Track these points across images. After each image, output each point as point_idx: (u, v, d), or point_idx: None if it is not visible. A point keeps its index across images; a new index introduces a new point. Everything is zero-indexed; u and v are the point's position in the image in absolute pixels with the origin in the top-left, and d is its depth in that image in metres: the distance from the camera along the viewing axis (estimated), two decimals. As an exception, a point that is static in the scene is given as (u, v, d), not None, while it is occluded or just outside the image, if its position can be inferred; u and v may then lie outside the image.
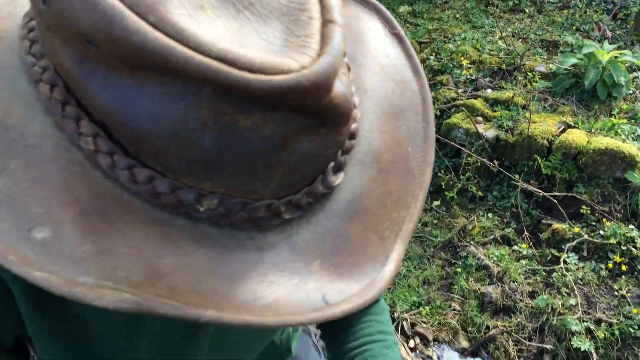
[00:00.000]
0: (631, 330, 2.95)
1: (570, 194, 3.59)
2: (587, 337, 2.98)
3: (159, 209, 0.42)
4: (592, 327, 2.99)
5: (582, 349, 2.93)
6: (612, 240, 3.29)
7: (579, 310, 3.07)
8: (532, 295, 3.27)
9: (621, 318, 3.01)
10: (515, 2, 5.63)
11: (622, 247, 3.26)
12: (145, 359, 0.69)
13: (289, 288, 0.42)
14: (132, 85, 0.38)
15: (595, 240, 3.34)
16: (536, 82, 4.33)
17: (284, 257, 0.44)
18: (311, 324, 0.46)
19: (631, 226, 3.34)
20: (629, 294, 3.11)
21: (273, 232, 0.45)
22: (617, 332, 2.95)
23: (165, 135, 0.39)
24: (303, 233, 0.46)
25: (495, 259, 3.47)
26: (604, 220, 3.44)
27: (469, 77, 4.58)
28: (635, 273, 3.21)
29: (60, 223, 0.39)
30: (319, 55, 0.41)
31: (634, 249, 3.24)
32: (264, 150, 0.41)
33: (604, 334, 2.96)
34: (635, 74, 4.24)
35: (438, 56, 4.91)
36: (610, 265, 3.24)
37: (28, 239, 0.38)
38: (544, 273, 3.33)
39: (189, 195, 0.42)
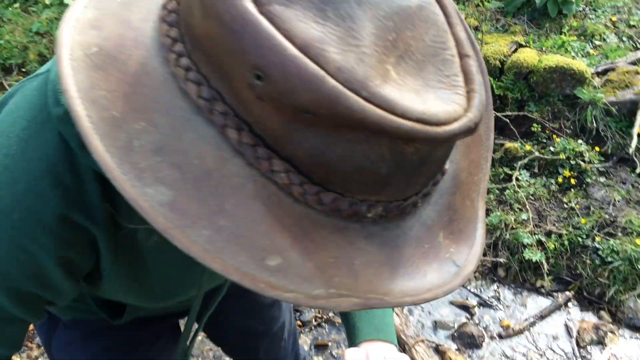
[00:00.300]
0: (579, 239, 3.06)
1: (521, 113, 3.64)
2: (538, 249, 3.09)
3: (338, 220, 0.52)
4: (543, 239, 3.10)
5: (534, 260, 3.04)
6: (562, 156, 3.37)
7: (530, 224, 3.16)
8: (486, 213, 3.35)
9: (570, 229, 3.12)
10: None
11: (571, 162, 3.35)
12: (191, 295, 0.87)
13: (430, 260, 0.55)
14: (336, 138, 0.47)
15: (545, 156, 3.42)
16: (488, 1, 4.30)
17: (421, 235, 0.56)
18: (454, 290, 0.56)
19: (580, 141, 3.42)
20: (577, 206, 3.22)
21: (410, 218, 0.56)
22: (566, 243, 3.07)
23: (351, 169, 0.49)
24: (427, 213, 0.57)
25: (450, 179, 3.52)
26: (554, 136, 3.51)
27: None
28: (584, 185, 3.31)
29: (285, 250, 0.49)
30: (467, 92, 0.51)
31: (582, 163, 3.33)
32: (419, 166, 0.52)
33: (554, 244, 3.07)
34: (584, -9, 4.26)
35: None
36: (560, 180, 3.34)
37: (265, 267, 0.47)
38: (497, 191, 3.40)
39: (362, 207, 0.52)
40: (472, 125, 0.49)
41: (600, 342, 2.85)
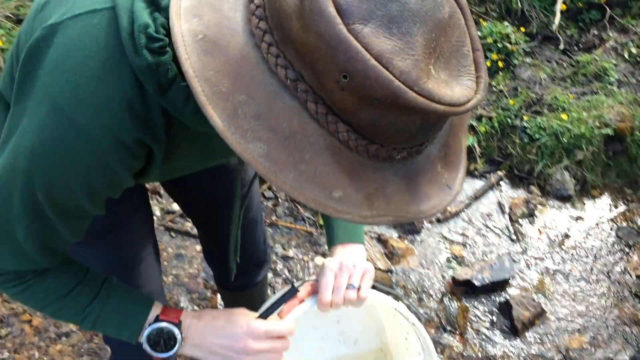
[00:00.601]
0: (508, 120, 3.15)
1: None
2: (470, 134, 3.16)
3: (376, 162, 0.72)
4: (474, 124, 3.17)
5: (466, 145, 3.11)
6: (489, 40, 3.38)
7: (461, 110, 3.21)
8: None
9: (499, 111, 3.20)
10: None
11: (498, 45, 3.38)
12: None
13: (433, 185, 0.77)
14: (389, 113, 0.66)
15: (473, 41, 3.42)
16: None
17: (427, 168, 0.77)
18: (448, 206, 0.80)
19: (506, 23, 3.44)
20: (505, 88, 3.28)
21: (421, 155, 0.76)
22: (496, 125, 3.15)
23: (393, 131, 0.68)
24: (431, 150, 0.77)
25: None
26: (481, 20, 3.51)
27: None
28: (511, 67, 3.36)
29: (344, 186, 0.69)
30: (476, 77, 0.71)
31: (509, 45, 3.36)
32: (437, 125, 0.73)
33: (485, 127, 3.15)
34: None
35: None
36: (488, 64, 3.37)
37: (331, 197, 0.68)
38: (428, 80, 3.42)
39: (394, 153, 0.72)
40: (479, 103, 0.72)
41: (531, 215, 3.00)
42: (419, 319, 1.31)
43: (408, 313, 1.20)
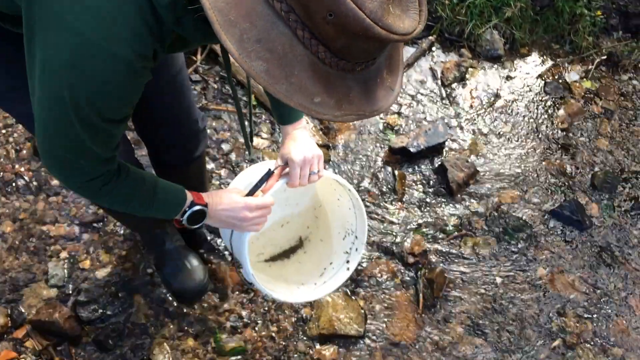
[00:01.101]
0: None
1: None
2: None
3: (343, 73, 0.93)
4: (403, -13, 3.06)
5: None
6: None
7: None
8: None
9: (427, -28, 3.09)
10: None
11: None
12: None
13: (381, 88, 0.99)
14: (361, 40, 0.86)
15: None
16: None
17: (377, 75, 0.98)
18: (391, 105, 1.04)
19: None
20: (432, -53, 3.15)
21: (374, 66, 0.97)
22: (424, -13, 3.05)
23: (360, 52, 0.90)
24: (380, 60, 0.98)
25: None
26: None
27: None
28: None
29: (321, 93, 0.91)
30: (419, 11, 0.92)
31: None
32: (388, 47, 0.98)
33: (413, -9, 3.05)
34: None
35: None
36: None
37: (313, 102, 0.90)
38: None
39: (356, 66, 0.93)
40: (421, 31, 0.91)
41: (463, 78, 3.01)
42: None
43: (343, 181, 1.62)
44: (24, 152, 2.37)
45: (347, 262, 1.79)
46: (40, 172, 2.33)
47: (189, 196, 1.41)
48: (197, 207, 1.41)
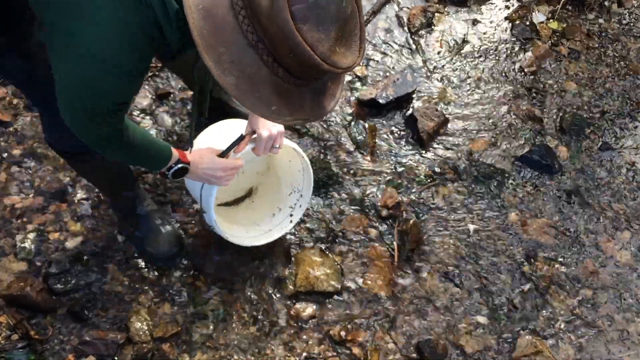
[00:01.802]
0: None
1: None
2: (362, -57, 2.96)
3: (299, 88, 1.16)
4: None
5: None
6: None
7: None
8: None
9: None
10: None
11: None
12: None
13: (326, 97, 1.24)
14: (313, 71, 1.11)
15: None
16: None
17: (325, 85, 1.22)
18: (335, 107, 1.66)
19: None
20: None
21: (321, 80, 1.21)
22: None
23: (310, 75, 1.14)
24: (324, 79, 1.22)
25: None
26: None
27: None
28: None
29: (279, 105, 1.14)
30: (359, 48, 1.14)
31: None
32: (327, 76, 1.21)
33: None
34: None
35: None
36: None
37: (271, 110, 1.14)
38: None
39: (310, 82, 1.18)
40: (359, 64, 1.16)
41: (430, 25, 2.96)
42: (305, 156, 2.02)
43: (298, 149, 1.96)
44: (-20, 122, 2.28)
45: (291, 215, 2.16)
46: (0, 143, 2.24)
47: (175, 154, 1.65)
48: (181, 165, 1.67)
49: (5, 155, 2.22)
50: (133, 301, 2.05)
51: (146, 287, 2.08)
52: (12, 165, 2.21)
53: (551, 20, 3.14)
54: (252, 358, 2.03)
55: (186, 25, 1.07)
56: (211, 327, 2.06)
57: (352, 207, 2.38)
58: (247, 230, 2.15)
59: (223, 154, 1.78)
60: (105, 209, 2.17)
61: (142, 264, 2.11)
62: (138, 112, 2.41)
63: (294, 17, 1.02)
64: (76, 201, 2.18)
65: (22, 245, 2.08)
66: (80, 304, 2.01)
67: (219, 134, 1.94)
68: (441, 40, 2.94)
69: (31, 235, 2.10)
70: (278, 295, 2.15)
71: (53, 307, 1.99)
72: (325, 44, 1.05)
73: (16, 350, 1.92)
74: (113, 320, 2.01)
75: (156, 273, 2.11)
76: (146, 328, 2.00)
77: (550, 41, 3.06)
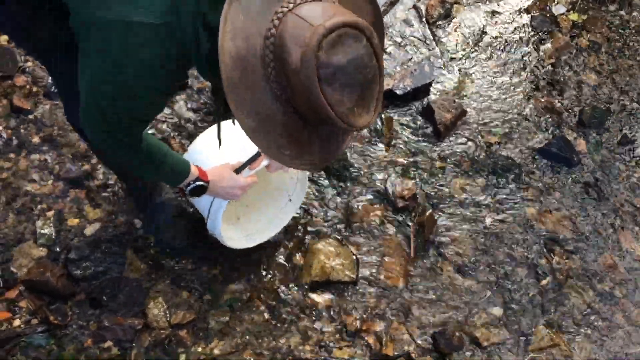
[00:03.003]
0: None
1: None
2: None
3: (310, 133, 1.24)
4: None
5: None
6: None
7: None
8: None
9: None
10: None
11: None
12: None
13: (336, 142, 1.33)
14: (329, 126, 1.22)
15: None
16: None
17: (334, 133, 1.31)
18: (342, 151, 1.93)
19: None
20: None
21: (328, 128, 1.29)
22: None
23: (320, 124, 1.24)
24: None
25: None
26: None
27: None
28: None
29: (291, 149, 1.23)
30: (375, 108, 1.21)
31: None
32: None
33: None
34: None
35: None
36: None
37: (283, 154, 1.23)
38: None
39: (320, 129, 1.26)
40: (372, 123, 1.36)
41: (448, 15, 2.94)
42: None
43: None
44: (0, 109, 2.30)
45: (280, 217, 2.17)
46: (20, 130, 2.27)
47: (194, 171, 1.69)
48: (200, 183, 1.71)
49: (26, 143, 2.25)
50: (150, 288, 2.07)
51: (164, 275, 2.10)
52: (31, 153, 2.23)
53: (571, 12, 3.11)
54: (268, 346, 2.05)
55: (216, 63, 1.12)
56: (227, 315, 2.07)
57: (368, 198, 2.38)
58: (243, 230, 2.16)
59: (239, 170, 1.83)
60: (124, 196, 2.19)
61: (159, 251, 2.13)
62: (156, 101, 2.42)
63: (320, 79, 1.09)
64: (95, 188, 2.20)
65: (42, 231, 2.10)
66: (98, 290, 2.03)
67: (228, 135, 1.89)
68: (459, 31, 2.92)
69: (51, 222, 2.12)
70: (294, 285, 2.16)
71: (72, 293, 2.02)
72: (345, 105, 1.13)
73: (36, 334, 1.94)
74: (131, 306, 2.03)
75: (173, 261, 2.12)
76: (163, 315, 2.02)
77: (570, 33, 3.03)
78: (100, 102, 1.30)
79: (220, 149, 1.76)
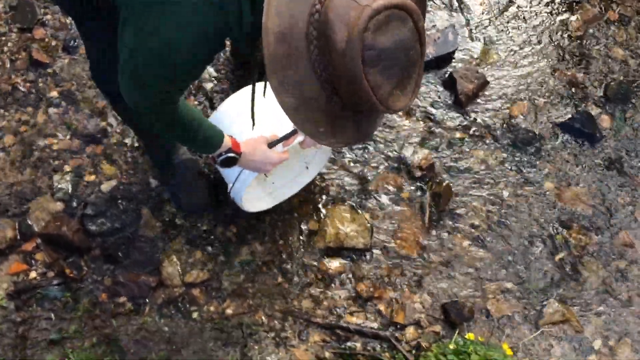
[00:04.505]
0: None
1: None
2: None
3: (346, 113, 1.24)
4: None
5: None
6: None
7: None
8: None
9: None
10: None
11: None
12: None
13: (369, 123, 1.36)
14: (367, 110, 1.25)
15: None
16: None
17: (364, 118, 1.32)
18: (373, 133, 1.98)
19: None
20: None
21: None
22: None
23: (361, 108, 1.23)
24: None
25: None
26: None
27: None
28: None
29: (326, 127, 1.23)
30: (413, 91, 1.20)
31: None
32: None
33: None
34: None
35: None
36: None
37: (318, 132, 1.23)
38: None
39: (356, 111, 1.25)
40: (409, 106, 1.63)
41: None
42: None
43: None
44: (19, 62, 2.29)
45: (297, 181, 2.17)
46: (38, 83, 2.26)
47: (227, 141, 1.67)
48: (232, 154, 1.69)
49: (44, 97, 2.24)
50: (165, 246, 2.08)
51: (178, 234, 2.11)
52: (49, 107, 2.23)
53: (602, -17, 3.01)
54: (280, 308, 2.06)
55: (257, 37, 1.13)
56: (241, 276, 2.08)
57: (386, 165, 2.36)
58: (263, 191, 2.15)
59: (272, 145, 1.80)
60: (141, 154, 2.19)
61: (175, 211, 2.14)
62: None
63: (364, 61, 1.08)
64: (112, 145, 2.20)
65: (59, 185, 2.11)
66: (114, 247, 2.05)
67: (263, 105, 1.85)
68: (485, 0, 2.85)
69: (68, 177, 2.13)
70: (308, 249, 2.16)
71: (88, 248, 2.04)
72: (386, 89, 1.12)
73: (51, 287, 1.97)
74: (145, 263, 2.05)
75: (189, 220, 2.13)
76: (177, 273, 2.04)
77: (599, 5, 2.94)
78: (141, 70, 1.29)
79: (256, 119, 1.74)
